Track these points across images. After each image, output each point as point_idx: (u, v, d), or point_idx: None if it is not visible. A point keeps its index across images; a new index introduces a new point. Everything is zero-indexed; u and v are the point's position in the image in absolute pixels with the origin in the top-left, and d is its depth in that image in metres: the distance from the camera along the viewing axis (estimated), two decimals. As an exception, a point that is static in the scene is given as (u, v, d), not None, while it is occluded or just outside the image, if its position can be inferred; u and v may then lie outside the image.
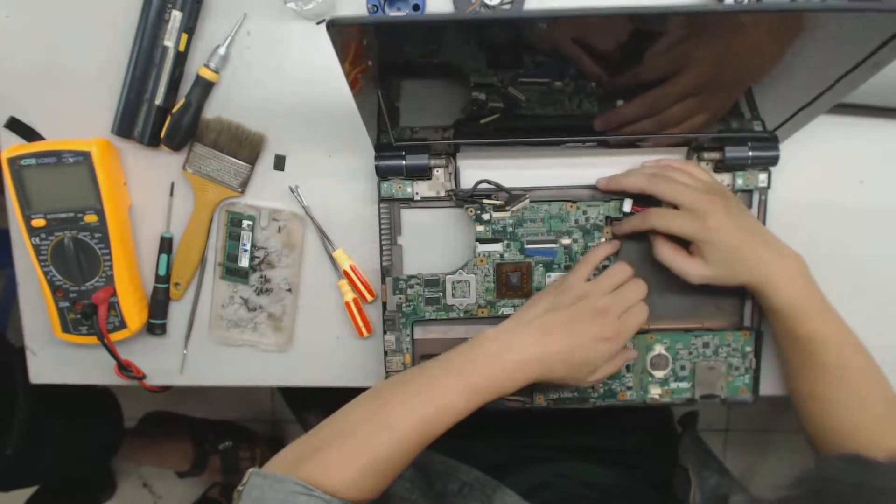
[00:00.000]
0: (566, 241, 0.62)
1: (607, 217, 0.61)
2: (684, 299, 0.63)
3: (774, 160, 0.58)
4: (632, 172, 0.60)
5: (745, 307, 0.63)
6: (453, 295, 0.63)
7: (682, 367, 0.63)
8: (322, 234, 0.65)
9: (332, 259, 0.65)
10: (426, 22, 0.45)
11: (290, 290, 0.66)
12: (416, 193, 0.61)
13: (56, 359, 0.69)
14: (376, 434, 0.51)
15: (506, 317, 0.62)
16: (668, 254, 0.58)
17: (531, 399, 0.64)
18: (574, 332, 0.55)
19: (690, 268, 0.57)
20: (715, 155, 0.59)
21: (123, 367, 0.67)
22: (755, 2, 0.56)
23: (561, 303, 0.57)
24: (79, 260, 0.62)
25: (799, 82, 0.50)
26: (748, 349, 0.63)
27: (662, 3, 0.59)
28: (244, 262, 0.65)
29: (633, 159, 0.62)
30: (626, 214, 0.61)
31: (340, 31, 0.40)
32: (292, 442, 0.53)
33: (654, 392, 0.64)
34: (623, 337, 0.57)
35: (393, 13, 0.59)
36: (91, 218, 0.61)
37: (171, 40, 0.60)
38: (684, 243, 0.58)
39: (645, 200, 0.60)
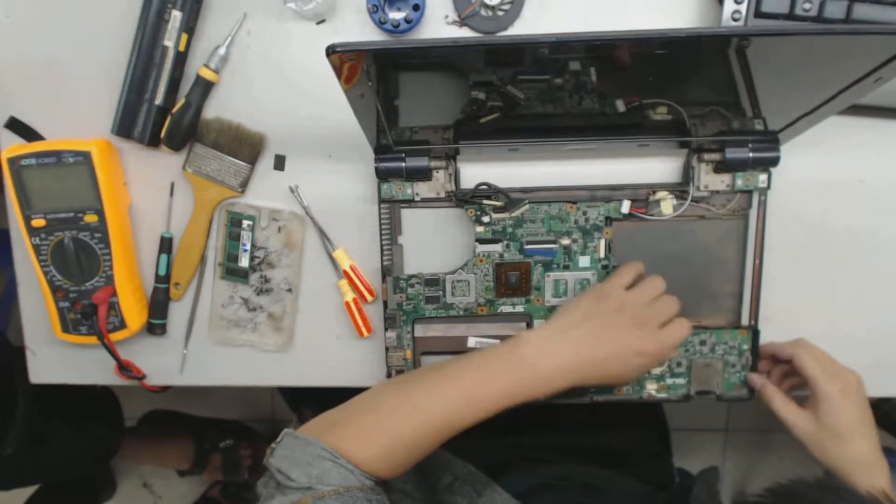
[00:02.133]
0: (566, 241, 0.62)
1: (607, 218, 0.61)
2: (683, 298, 0.62)
3: (775, 161, 0.58)
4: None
5: (743, 306, 0.63)
6: (453, 294, 0.63)
7: (679, 364, 0.64)
8: (322, 234, 0.65)
9: (332, 259, 0.65)
10: (426, 48, 0.46)
11: (290, 290, 0.66)
12: (416, 194, 0.61)
13: (56, 359, 0.69)
14: (401, 415, 0.53)
15: (505, 315, 0.63)
16: (779, 402, 0.59)
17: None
18: (613, 343, 0.55)
19: (799, 419, 0.58)
20: (715, 156, 0.59)
21: (123, 367, 0.67)
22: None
23: (600, 310, 0.56)
24: (79, 260, 0.62)
25: (801, 90, 0.50)
26: (745, 347, 0.63)
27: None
28: (244, 262, 0.65)
29: (633, 160, 0.62)
30: (625, 215, 0.61)
31: (340, 56, 0.41)
32: (324, 413, 0.55)
33: (651, 388, 0.64)
34: (663, 353, 0.56)
35: (393, 13, 0.59)
36: (91, 218, 0.61)
37: (171, 40, 0.60)
38: None
39: (644, 201, 0.61)
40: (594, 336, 0.55)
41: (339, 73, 0.44)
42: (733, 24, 0.56)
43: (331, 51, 0.40)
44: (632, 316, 0.55)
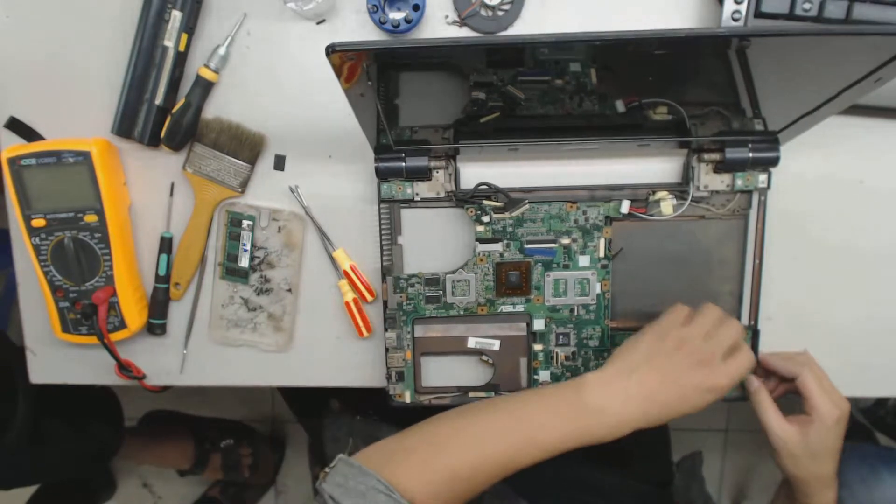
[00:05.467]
0: (566, 240, 0.62)
1: (607, 217, 0.61)
2: (682, 298, 0.62)
3: (775, 161, 0.58)
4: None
5: (743, 306, 0.63)
6: (453, 293, 0.63)
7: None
8: (322, 234, 0.65)
9: (332, 259, 0.65)
10: (426, 47, 0.46)
11: (290, 290, 0.66)
12: (416, 194, 0.61)
13: (56, 359, 0.69)
14: (462, 449, 0.52)
15: (505, 315, 0.63)
16: (769, 412, 0.60)
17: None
18: (680, 384, 0.54)
19: (786, 432, 0.58)
20: (715, 156, 0.59)
21: (123, 367, 0.67)
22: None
23: (662, 350, 0.55)
24: (79, 260, 0.62)
25: (801, 90, 0.50)
26: (746, 348, 0.63)
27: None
28: (244, 262, 0.65)
29: (633, 160, 0.62)
30: (625, 215, 0.61)
31: (340, 55, 0.41)
32: (381, 440, 0.55)
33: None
34: (730, 387, 0.55)
35: (393, 13, 0.59)
36: (91, 218, 0.61)
37: (171, 40, 0.60)
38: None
39: (644, 201, 0.61)
40: (659, 378, 0.54)
41: (339, 73, 0.44)
42: (733, 24, 0.56)
43: (331, 50, 0.40)
44: (694, 354, 0.55)
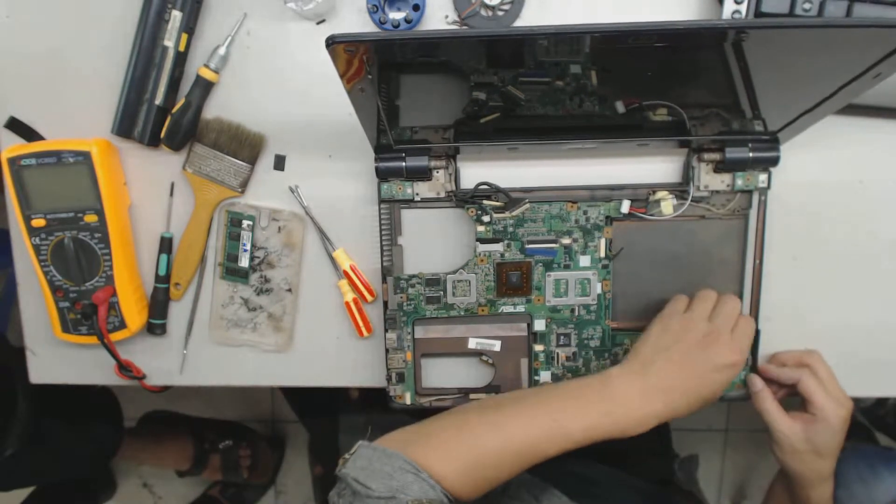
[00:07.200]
0: (566, 240, 0.62)
1: (607, 217, 0.61)
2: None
3: (775, 161, 0.58)
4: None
5: (743, 306, 0.63)
6: (454, 294, 0.63)
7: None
8: (322, 234, 0.65)
9: (332, 259, 0.65)
10: (426, 39, 0.46)
11: (290, 290, 0.66)
12: (417, 194, 0.61)
13: (56, 359, 0.69)
14: (489, 435, 0.52)
15: (506, 315, 0.63)
16: (773, 411, 0.60)
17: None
18: (693, 367, 0.54)
19: (790, 431, 0.59)
20: (715, 156, 0.59)
21: (123, 367, 0.67)
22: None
23: (668, 339, 0.56)
24: (79, 260, 0.62)
25: (801, 88, 0.50)
26: (746, 348, 0.63)
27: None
28: (244, 262, 0.65)
29: (633, 160, 0.62)
30: (625, 215, 0.61)
31: (341, 48, 0.41)
32: (401, 428, 0.54)
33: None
34: (742, 354, 0.56)
35: (393, 13, 0.59)
36: (91, 218, 0.61)
37: (171, 40, 0.60)
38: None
39: (644, 201, 0.61)
40: (675, 368, 0.54)
41: (339, 68, 0.43)
42: (733, 24, 0.56)
43: (331, 41, 0.40)
44: (700, 335, 0.55)
